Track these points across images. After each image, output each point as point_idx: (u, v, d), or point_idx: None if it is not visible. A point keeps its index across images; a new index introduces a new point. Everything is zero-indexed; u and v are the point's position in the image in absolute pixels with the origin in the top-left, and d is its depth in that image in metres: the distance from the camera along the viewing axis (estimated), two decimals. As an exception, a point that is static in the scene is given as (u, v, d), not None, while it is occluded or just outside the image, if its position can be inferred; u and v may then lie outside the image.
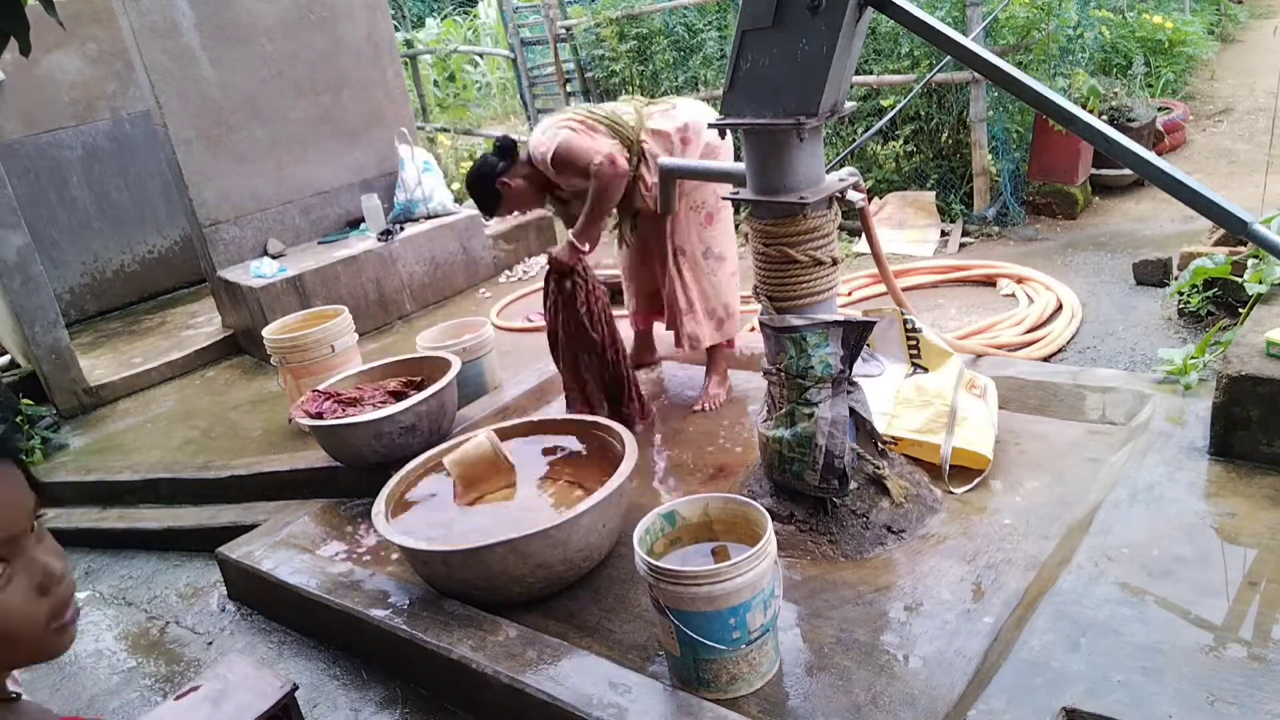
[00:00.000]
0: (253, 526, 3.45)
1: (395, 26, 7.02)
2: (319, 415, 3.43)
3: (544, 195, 3.30)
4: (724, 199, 2.82)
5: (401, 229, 6.01)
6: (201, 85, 5.51)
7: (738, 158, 3.00)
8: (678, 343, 3.55)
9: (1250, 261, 3.15)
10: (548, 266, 3.29)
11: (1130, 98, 6.03)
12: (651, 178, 3.20)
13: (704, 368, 3.75)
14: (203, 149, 5.57)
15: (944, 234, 5.47)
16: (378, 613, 2.65)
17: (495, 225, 6.81)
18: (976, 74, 4.79)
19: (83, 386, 5.44)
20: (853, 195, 2.56)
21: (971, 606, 2.26)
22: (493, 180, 3.21)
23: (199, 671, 2.81)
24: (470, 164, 9.19)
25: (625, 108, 3.28)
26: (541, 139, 3.15)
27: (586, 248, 3.19)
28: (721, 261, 3.44)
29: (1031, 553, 2.41)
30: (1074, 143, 5.31)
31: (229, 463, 4.11)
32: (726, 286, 3.48)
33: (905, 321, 3.05)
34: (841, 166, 2.64)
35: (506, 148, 3.24)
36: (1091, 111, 4.63)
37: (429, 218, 6.22)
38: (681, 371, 3.90)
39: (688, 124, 3.21)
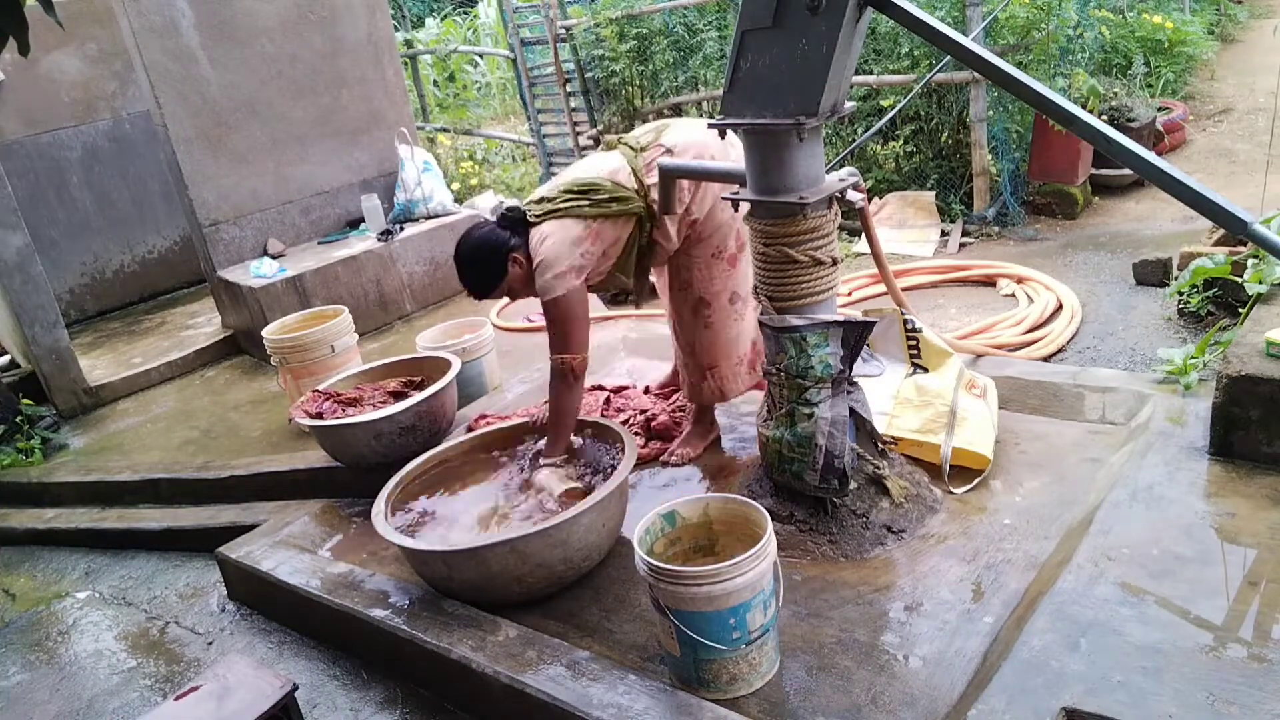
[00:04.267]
0: (253, 526, 3.45)
1: (395, 26, 7.02)
2: (319, 415, 3.43)
3: None
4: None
5: (401, 229, 6.01)
6: (201, 85, 5.51)
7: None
8: (702, 398, 3.19)
9: (1250, 261, 3.15)
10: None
11: (1130, 98, 6.03)
12: (671, 229, 2.95)
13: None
14: (203, 149, 5.57)
15: (944, 234, 5.47)
16: (378, 613, 2.65)
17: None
18: (976, 74, 4.79)
19: (83, 386, 5.44)
20: (853, 195, 2.56)
21: (971, 606, 2.26)
22: (504, 254, 2.77)
23: (199, 671, 2.81)
24: (469, 162, 9.24)
25: (616, 163, 2.89)
26: (553, 261, 2.74)
27: (561, 460, 2.96)
28: (747, 304, 3.06)
29: (1031, 553, 2.41)
30: (1074, 143, 5.31)
31: (229, 463, 4.11)
32: (752, 326, 3.11)
33: (905, 321, 3.05)
34: (841, 166, 2.64)
35: (517, 221, 2.82)
36: (1091, 111, 4.63)
37: (429, 218, 6.22)
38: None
39: (695, 158, 2.89)
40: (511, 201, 7.68)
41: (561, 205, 2.79)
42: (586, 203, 2.78)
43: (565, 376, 2.82)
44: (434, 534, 2.83)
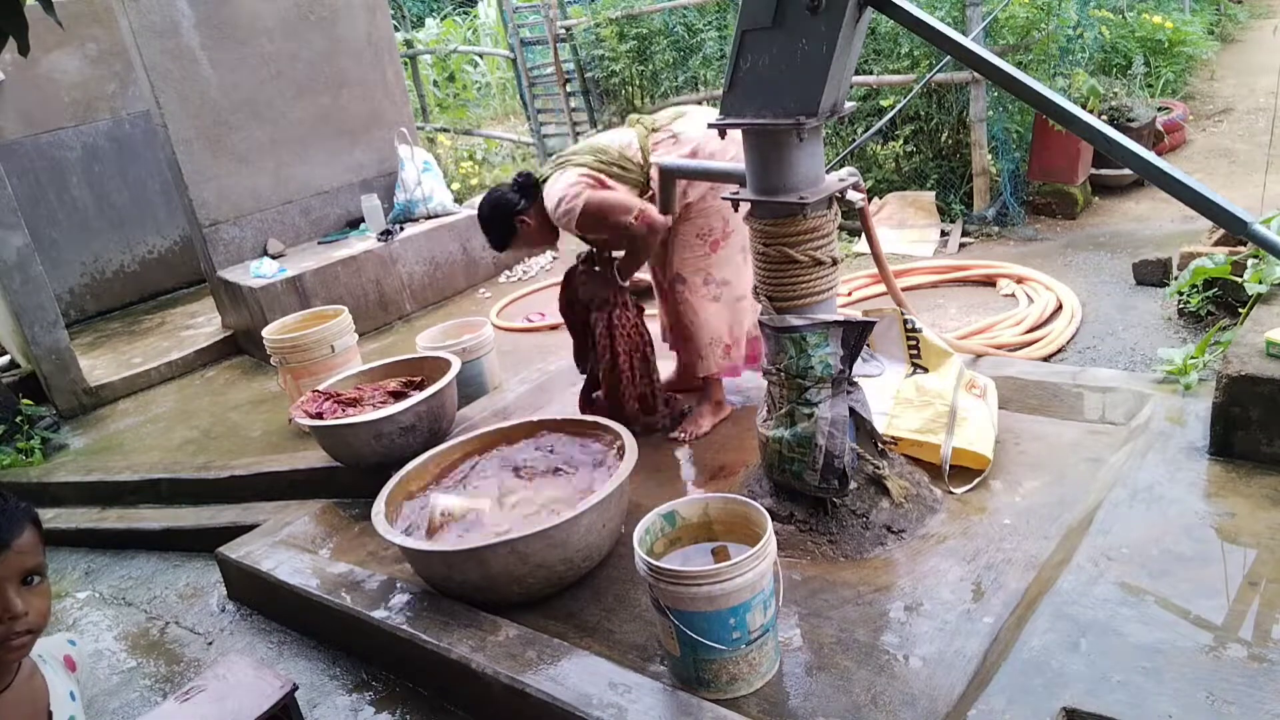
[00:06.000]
0: (253, 526, 3.45)
1: (395, 26, 7.02)
2: (319, 415, 3.43)
3: (556, 236, 3.22)
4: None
5: (401, 229, 6.01)
6: (201, 85, 5.51)
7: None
8: (680, 373, 3.39)
9: (1250, 261, 3.15)
10: (579, 289, 3.30)
11: (1130, 98, 6.03)
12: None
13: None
14: (203, 149, 5.58)
15: (944, 234, 5.47)
16: (378, 613, 2.65)
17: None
18: (976, 74, 4.79)
19: (83, 387, 5.44)
20: (853, 195, 2.56)
21: (971, 606, 2.26)
22: (511, 217, 3.14)
23: (199, 671, 2.81)
24: (469, 162, 9.24)
25: (629, 137, 3.12)
26: (560, 198, 3.00)
27: (628, 284, 3.25)
28: (725, 287, 3.23)
29: (1031, 553, 2.41)
30: (1074, 143, 5.31)
31: (229, 463, 4.11)
32: (732, 313, 3.27)
33: (905, 321, 3.05)
34: (841, 166, 2.64)
35: (527, 186, 3.14)
36: (1091, 111, 4.63)
37: (429, 218, 6.22)
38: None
39: (695, 150, 3.06)
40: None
41: (568, 157, 3.09)
42: (590, 156, 3.05)
43: (636, 233, 2.96)
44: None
